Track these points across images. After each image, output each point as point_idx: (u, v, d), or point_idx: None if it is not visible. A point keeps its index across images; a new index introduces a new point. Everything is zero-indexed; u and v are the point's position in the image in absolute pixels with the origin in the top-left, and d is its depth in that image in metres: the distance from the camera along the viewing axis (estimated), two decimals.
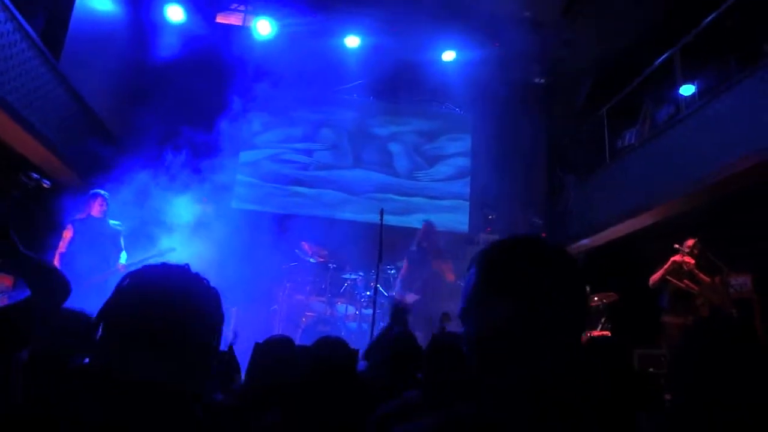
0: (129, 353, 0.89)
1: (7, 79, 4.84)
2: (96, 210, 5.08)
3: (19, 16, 4.90)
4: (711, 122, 5.60)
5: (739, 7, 5.41)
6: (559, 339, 0.89)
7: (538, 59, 9.68)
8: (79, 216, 5.11)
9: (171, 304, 0.92)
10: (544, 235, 9.01)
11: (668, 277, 5.73)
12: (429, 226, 6.01)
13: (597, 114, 8.10)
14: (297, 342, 5.33)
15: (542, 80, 9.95)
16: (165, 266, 0.99)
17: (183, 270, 0.99)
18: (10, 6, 4.74)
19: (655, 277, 5.79)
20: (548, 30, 9.56)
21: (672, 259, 5.80)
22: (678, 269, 5.75)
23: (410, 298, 5.55)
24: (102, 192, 5.18)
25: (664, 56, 6.59)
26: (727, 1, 5.48)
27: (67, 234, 4.97)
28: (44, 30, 5.66)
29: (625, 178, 7.19)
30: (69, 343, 1.91)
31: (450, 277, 5.79)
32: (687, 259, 5.76)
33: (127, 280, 0.95)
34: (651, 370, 5.52)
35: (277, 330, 6.29)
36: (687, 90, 6.50)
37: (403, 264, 5.97)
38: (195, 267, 1.02)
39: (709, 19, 5.80)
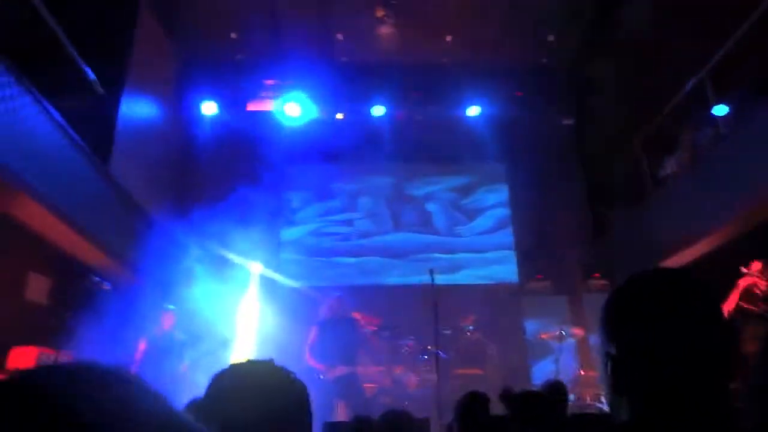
0: None
1: (64, 191, 5.15)
2: (166, 324, 5.82)
3: (71, 131, 5.27)
4: (756, 138, 5.43)
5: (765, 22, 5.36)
6: None
7: (563, 100, 9.76)
8: (152, 330, 5.80)
9: (260, 400, 0.97)
10: (597, 275, 8.73)
11: (742, 303, 5.39)
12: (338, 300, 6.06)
13: (632, 146, 7.99)
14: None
15: (570, 121, 9.96)
16: (252, 363, 1.05)
17: (269, 366, 1.04)
18: (59, 119, 5.12)
19: (730, 306, 5.46)
20: (569, 70, 9.69)
21: (741, 284, 5.47)
22: (750, 294, 5.41)
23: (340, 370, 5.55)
24: (170, 308, 5.91)
25: (693, 80, 6.53)
26: (749, 19, 5.45)
27: (142, 346, 5.65)
28: (93, 138, 6.06)
29: (674, 207, 6.96)
30: None
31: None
32: (757, 282, 5.43)
33: (221, 379, 0.99)
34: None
35: (337, 406, 6.14)
36: (722, 110, 6.36)
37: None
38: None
39: (733, 37, 5.75)
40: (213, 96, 9.06)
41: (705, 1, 6.37)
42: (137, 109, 7.48)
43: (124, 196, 6.62)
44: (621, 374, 0.90)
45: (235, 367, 1.01)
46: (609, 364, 0.91)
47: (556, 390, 2.72)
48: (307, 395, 1.03)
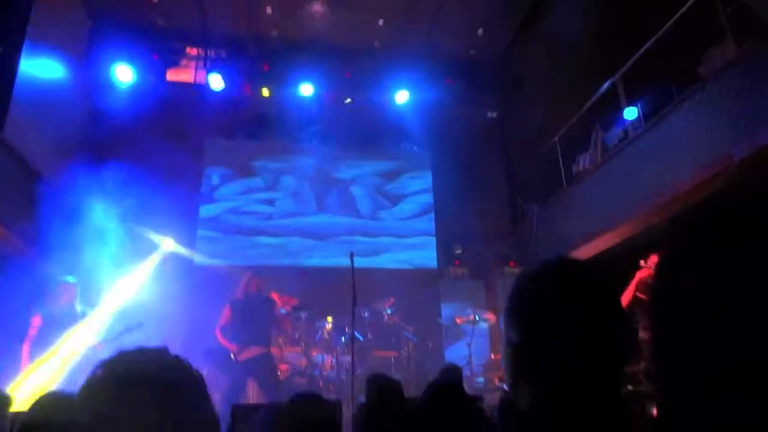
0: None
1: None
2: (64, 298, 5.16)
3: None
4: (659, 142, 5.82)
5: (672, 36, 5.73)
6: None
7: (489, 93, 10.00)
8: (47, 304, 5.15)
9: (151, 396, 0.81)
10: (512, 264, 9.09)
11: (638, 294, 5.79)
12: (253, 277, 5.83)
13: (550, 142, 8.34)
14: (273, 398, 5.13)
15: (494, 114, 10.23)
16: (141, 351, 0.87)
17: (161, 354, 0.88)
18: None
19: (627, 296, 5.84)
20: (495, 65, 9.93)
21: (638, 276, 5.87)
22: (646, 286, 5.82)
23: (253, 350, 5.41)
24: (70, 279, 5.24)
25: (606, 84, 6.88)
26: (659, 31, 5.80)
27: (36, 321, 5.00)
28: None
29: (585, 202, 7.35)
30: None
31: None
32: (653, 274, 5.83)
33: (101, 370, 0.83)
34: (630, 387, 5.49)
35: (249, 387, 6.01)
36: (631, 113, 6.76)
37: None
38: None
39: (644, 48, 6.12)
40: (130, 61, 8.44)
41: (623, 10, 6.71)
42: (40, 68, 6.84)
43: (20, 162, 6.06)
44: (521, 361, 0.90)
45: (121, 356, 0.86)
46: (510, 350, 0.92)
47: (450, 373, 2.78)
48: (205, 387, 0.89)
